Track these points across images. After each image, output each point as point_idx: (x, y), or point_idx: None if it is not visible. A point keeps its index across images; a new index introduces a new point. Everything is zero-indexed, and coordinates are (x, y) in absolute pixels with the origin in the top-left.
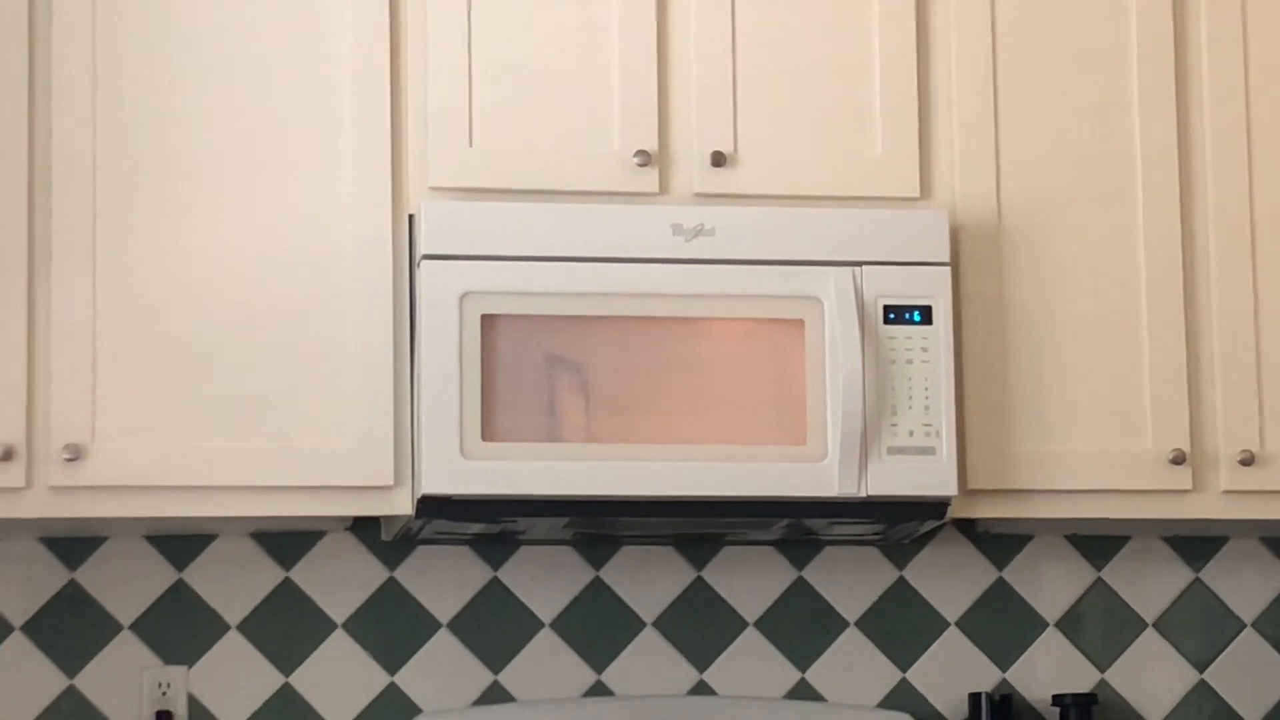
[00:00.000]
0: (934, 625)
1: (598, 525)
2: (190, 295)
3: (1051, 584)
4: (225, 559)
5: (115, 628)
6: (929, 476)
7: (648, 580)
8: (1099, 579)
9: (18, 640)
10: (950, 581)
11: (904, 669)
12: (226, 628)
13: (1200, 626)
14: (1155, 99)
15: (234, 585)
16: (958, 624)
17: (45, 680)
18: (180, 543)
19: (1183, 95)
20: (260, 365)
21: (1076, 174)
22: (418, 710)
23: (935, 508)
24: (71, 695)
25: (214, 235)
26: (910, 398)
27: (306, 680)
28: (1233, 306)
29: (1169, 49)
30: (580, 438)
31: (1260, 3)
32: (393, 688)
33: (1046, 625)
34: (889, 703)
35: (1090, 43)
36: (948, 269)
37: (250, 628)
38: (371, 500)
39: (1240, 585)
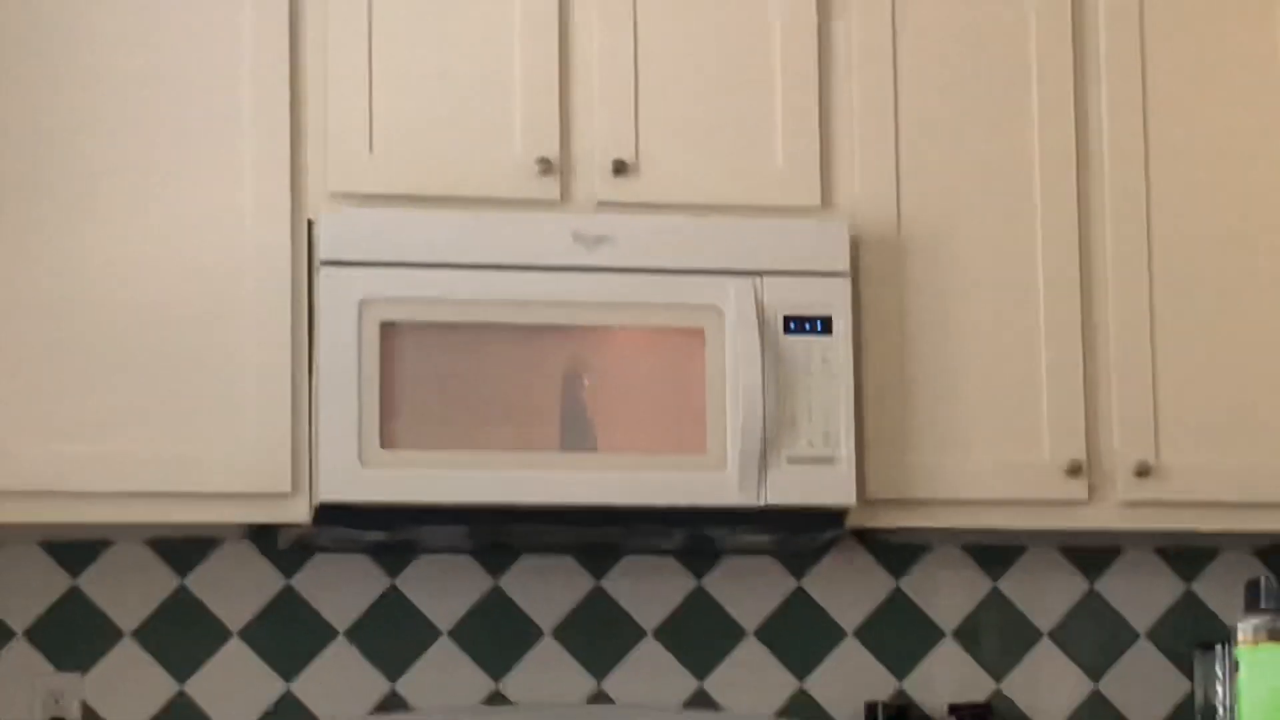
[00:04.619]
0: (831, 635)
1: (497, 534)
2: (87, 300)
3: (948, 594)
4: (120, 566)
5: (8, 634)
6: (828, 486)
7: (547, 589)
8: (995, 589)
9: None
10: (848, 591)
11: (801, 678)
12: (121, 635)
13: (1095, 636)
14: (1054, 111)
15: (129, 592)
16: (855, 634)
17: None
18: (75, 549)
19: (1081, 108)
20: (157, 371)
21: (976, 185)
22: (314, 719)
23: (834, 517)
24: None
25: (111, 240)
26: (810, 407)
27: (202, 688)
28: (1129, 318)
29: (1068, 62)
30: (479, 446)
31: (1158, 18)
32: (289, 696)
33: (943, 635)
34: (787, 712)
35: (990, 55)
36: (848, 279)
37: (145, 635)
38: (269, 507)
39: (1135, 596)
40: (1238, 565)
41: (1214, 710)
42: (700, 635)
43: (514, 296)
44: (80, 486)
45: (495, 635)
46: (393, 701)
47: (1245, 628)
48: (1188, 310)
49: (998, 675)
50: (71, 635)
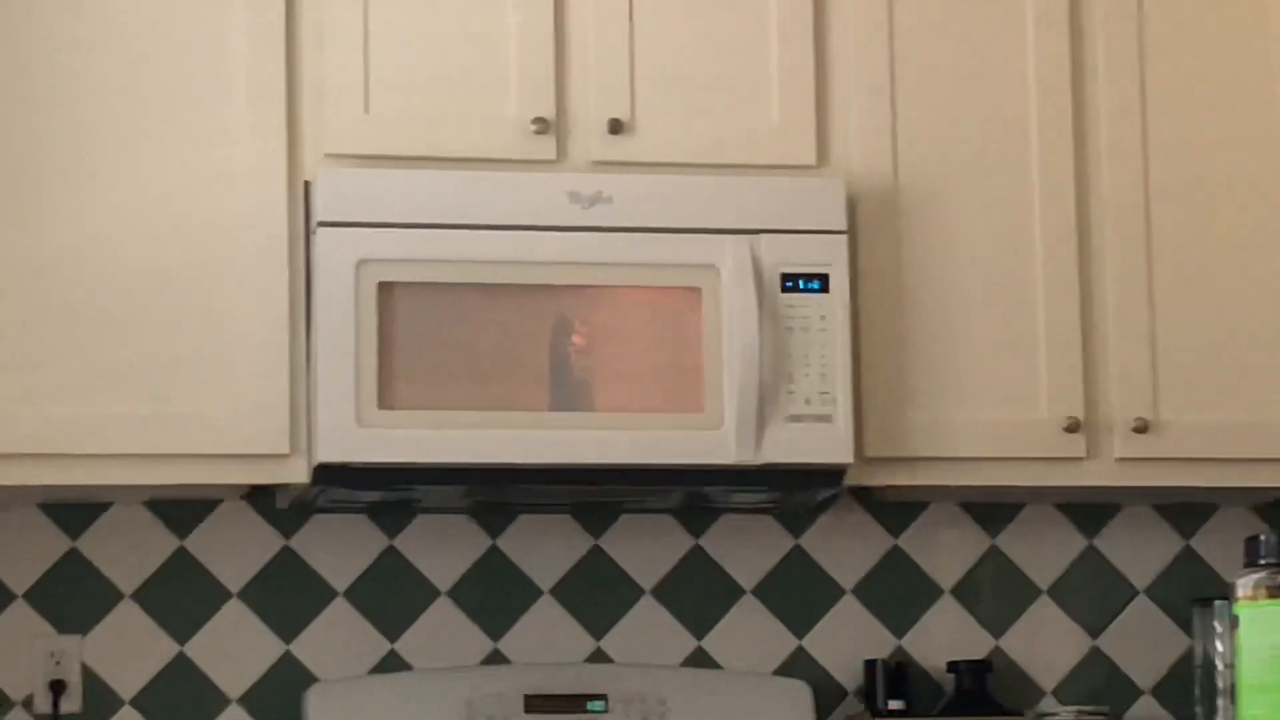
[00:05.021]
0: (830, 593)
1: (495, 494)
2: (84, 261)
3: (947, 552)
4: (119, 527)
5: (8, 597)
6: (825, 444)
7: (545, 549)
8: (993, 546)
9: None
10: (846, 549)
11: (800, 637)
12: (121, 597)
13: (1094, 593)
14: (1050, 67)
15: (128, 554)
16: (853, 592)
17: None
18: (74, 511)
19: (1077, 64)
20: (155, 333)
21: (972, 142)
22: (314, 679)
23: (831, 475)
24: None
25: (108, 202)
26: (807, 366)
27: (201, 649)
28: (1127, 275)
29: (1064, 17)
30: (477, 405)
31: None
32: (288, 656)
33: (942, 593)
34: (785, 670)
35: (986, 11)
36: (844, 237)
37: (145, 597)
38: (267, 468)
39: (1133, 552)
40: (1236, 521)
41: (1213, 666)
42: (699, 594)
43: (511, 256)
44: (78, 449)
45: (494, 595)
46: (392, 661)
47: (1245, 583)
48: (1186, 266)
49: (996, 632)
50: (71, 597)
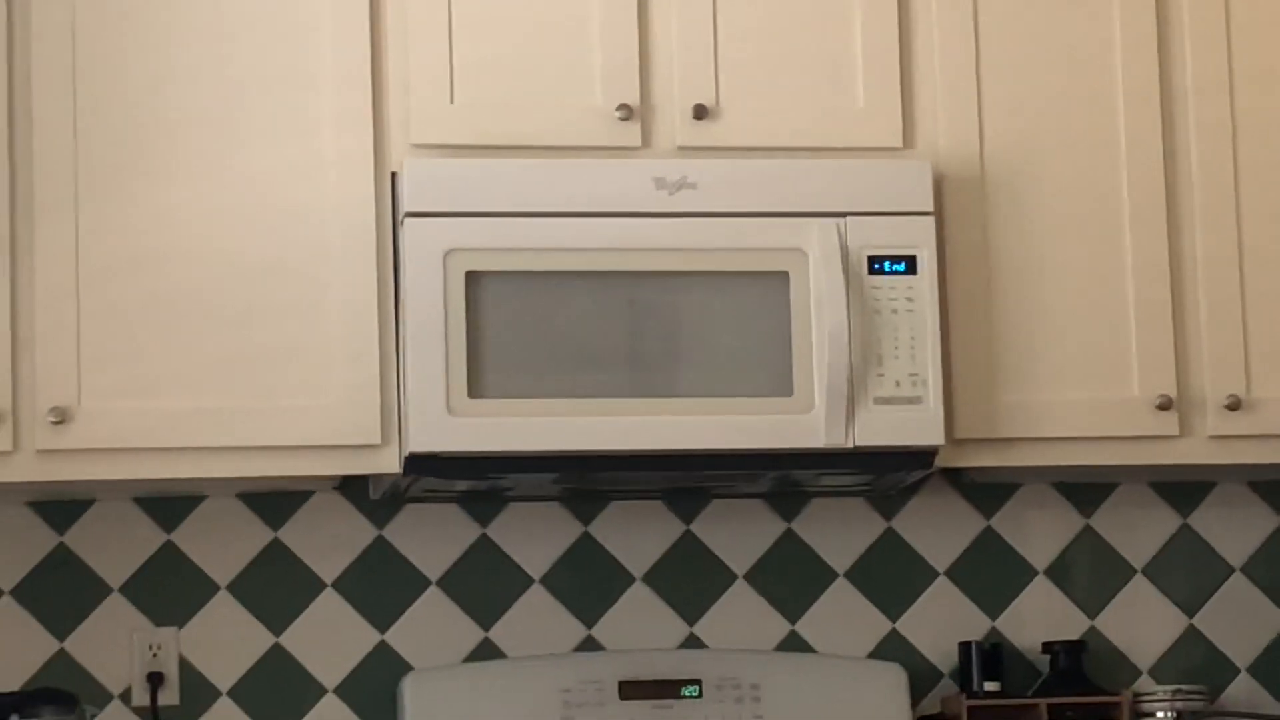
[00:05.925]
0: (923, 575)
1: (586, 480)
2: (173, 255)
3: (1040, 532)
4: (213, 520)
5: (105, 590)
6: (916, 426)
7: (636, 535)
8: (1087, 526)
9: (7, 604)
10: (938, 531)
11: (894, 619)
12: (216, 589)
13: (1189, 572)
14: (1137, 44)
15: (223, 546)
16: (947, 573)
17: (36, 644)
18: (168, 504)
19: (1164, 39)
20: (245, 325)
21: (1059, 121)
22: (409, 668)
23: (922, 457)
24: (62, 658)
25: (196, 194)
26: (896, 348)
27: (297, 640)
28: (1218, 251)
29: None
30: (567, 393)
31: None
32: (383, 646)
33: (1035, 573)
34: (879, 653)
35: None
36: (931, 218)
37: (240, 588)
38: (359, 459)
39: (1228, 530)
40: None
41: None
42: (791, 578)
43: (598, 243)
44: (171, 442)
45: (586, 582)
46: (486, 649)
47: None
48: (1277, 242)
49: (1091, 612)
50: (167, 590)
